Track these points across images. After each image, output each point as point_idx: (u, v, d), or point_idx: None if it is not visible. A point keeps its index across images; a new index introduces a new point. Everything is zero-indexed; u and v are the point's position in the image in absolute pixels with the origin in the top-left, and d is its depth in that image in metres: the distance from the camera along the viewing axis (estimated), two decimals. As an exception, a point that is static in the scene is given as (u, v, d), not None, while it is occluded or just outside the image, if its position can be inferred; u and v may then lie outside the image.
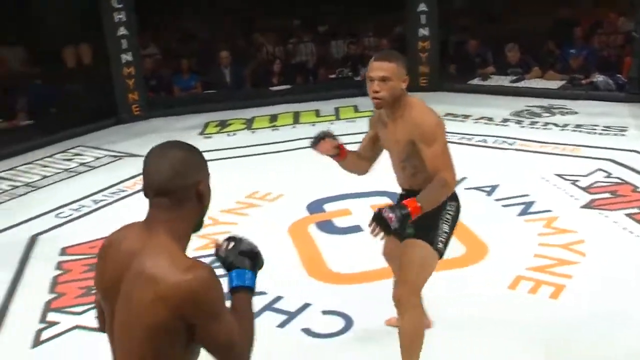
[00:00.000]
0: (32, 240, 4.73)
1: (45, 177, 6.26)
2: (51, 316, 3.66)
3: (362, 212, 4.70)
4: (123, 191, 5.65)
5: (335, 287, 3.75)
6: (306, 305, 3.53)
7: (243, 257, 1.64)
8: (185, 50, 10.18)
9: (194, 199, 1.56)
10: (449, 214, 2.68)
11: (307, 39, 10.50)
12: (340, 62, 9.90)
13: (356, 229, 4.49)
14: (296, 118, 7.79)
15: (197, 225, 1.62)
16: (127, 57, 7.90)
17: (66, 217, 5.19)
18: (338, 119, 7.58)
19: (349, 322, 3.35)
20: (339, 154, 2.83)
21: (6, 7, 8.28)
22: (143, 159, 1.60)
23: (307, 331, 3.31)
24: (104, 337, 3.65)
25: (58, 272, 4.21)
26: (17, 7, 8.81)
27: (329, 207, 4.89)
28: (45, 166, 6.55)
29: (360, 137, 7.14)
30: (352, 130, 7.05)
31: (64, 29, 8.84)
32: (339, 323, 3.35)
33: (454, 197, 2.70)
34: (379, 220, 2.37)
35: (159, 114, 8.32)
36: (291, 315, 3.45)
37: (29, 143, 7.10)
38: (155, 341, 1.50)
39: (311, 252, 4.21)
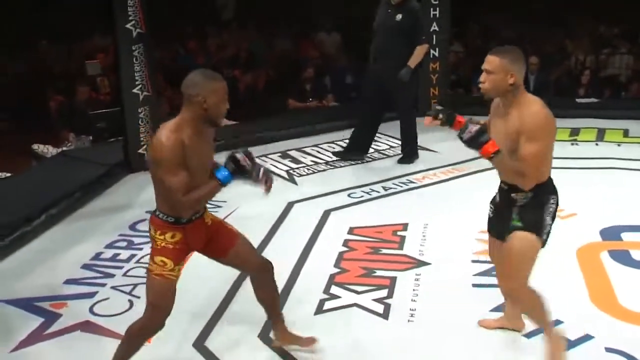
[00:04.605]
0: (326, 215, 5.09)
1: (343, 157, 6.67)
2: (334, 289, 3.91)
3: (666, 249, 4.25)
4: (412, 182, 5.79)
5: (624, 325, 3.43)
6: (587, 337, 3.30)
7: (230, 162, 2.64)
8: (489, 49, 10.02)
9: (196, 104, 2.60)
10: (552, 207, 2.86)
11: (624, 50, 9.70)
12: (660, 80, 9.00)
13: (658, 266, 4.07)
14: (600, 135, 7.23)
15: (212, 121, 2.66)
16: (434, 52, 8.03)
17: (357, 198, 5.48)
18: (649, 141, 6.91)
19: (636, 367, 3.06)
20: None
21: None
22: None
23: (586, 365, 3.09)
24: (379, 322, 3.76)
25: (344, 248, 4.47)
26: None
27: (627, 236, 4.48)
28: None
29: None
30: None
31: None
32: (624, 365, 3.09)
33: (554, 191, 2.88)
34: (467, 124, 2.75)
35: (455, 111, 8.31)
36: (569, 344, 3.23)
37: (333, 123, 7.61)
38: (157, 176, 2.64)
39: (600, 282, 3.91)
